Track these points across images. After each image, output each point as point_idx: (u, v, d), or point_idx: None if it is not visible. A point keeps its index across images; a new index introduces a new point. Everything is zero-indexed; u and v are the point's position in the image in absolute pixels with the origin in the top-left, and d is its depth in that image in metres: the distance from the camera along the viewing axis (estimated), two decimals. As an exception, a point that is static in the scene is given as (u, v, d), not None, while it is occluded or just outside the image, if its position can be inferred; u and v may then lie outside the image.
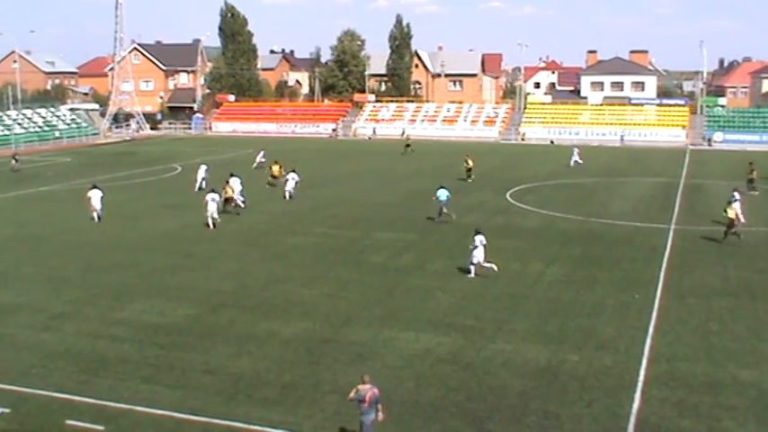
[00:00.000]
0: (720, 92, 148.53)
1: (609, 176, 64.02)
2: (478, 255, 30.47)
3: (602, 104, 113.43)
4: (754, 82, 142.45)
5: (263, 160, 66.22)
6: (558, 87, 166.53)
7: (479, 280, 30.17)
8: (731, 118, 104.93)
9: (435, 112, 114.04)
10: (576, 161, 70.96)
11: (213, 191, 42.51)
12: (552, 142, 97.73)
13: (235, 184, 46.70)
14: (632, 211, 46.94)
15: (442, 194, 42.64)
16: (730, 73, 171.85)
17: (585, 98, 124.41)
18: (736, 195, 42.89)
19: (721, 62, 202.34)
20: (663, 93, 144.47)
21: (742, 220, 37.77)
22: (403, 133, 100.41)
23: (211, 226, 40.81)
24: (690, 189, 56.04)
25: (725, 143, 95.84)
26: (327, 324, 24.87)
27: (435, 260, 33.80)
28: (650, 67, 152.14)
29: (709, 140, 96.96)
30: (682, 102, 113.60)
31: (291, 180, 50.74)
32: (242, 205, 45.93)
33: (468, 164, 60.18)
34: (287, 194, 50.10)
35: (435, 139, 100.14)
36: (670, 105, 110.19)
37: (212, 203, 41.27)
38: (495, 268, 30.45)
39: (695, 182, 59.16)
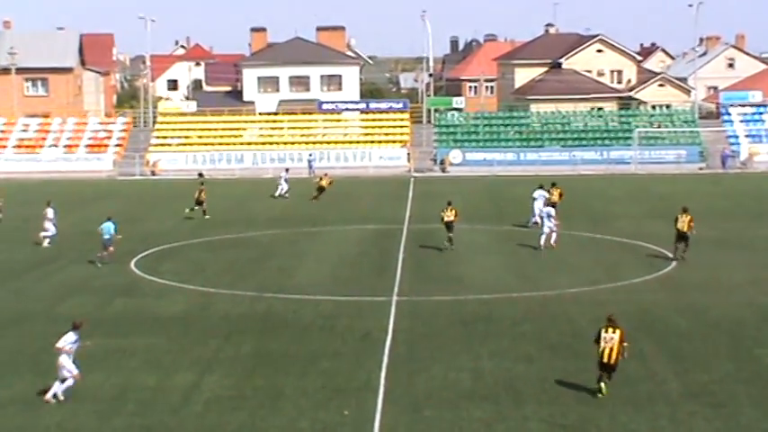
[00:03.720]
0: (456, 88, 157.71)
1: (293, 226, 65.46)
2: (65, 363, 30.34)
3: (277, 113, 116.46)
4: (503, 72, 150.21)
5: None
6: (208, 87, 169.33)
7: (92, 408, 29.61)
8: (473, 128, 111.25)
9: (3, 132, 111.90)
10: (282, 192, 79.58)
11: None
12: (201, 175, 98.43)
13: None
14: (332, 277, 48.44)
15: (108, 229, 52.12)
16: (468, 59, 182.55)
17: (252, 103, 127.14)
18: None
19: (454, 43, 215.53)
20: (370, 92, 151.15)
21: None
22: None
23: None
24: (417, 239, 58.45)
25: (465, 165, 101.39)
26: None
27: (10, 380, 32.78)
28: (350, 53, 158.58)
29: (443, 163, 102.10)
30: (399, 105, 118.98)
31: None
32: None
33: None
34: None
35: (7, 177, 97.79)
36: (381, 111, 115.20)
37: None
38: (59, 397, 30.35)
39: (425, 227, 61.75)
